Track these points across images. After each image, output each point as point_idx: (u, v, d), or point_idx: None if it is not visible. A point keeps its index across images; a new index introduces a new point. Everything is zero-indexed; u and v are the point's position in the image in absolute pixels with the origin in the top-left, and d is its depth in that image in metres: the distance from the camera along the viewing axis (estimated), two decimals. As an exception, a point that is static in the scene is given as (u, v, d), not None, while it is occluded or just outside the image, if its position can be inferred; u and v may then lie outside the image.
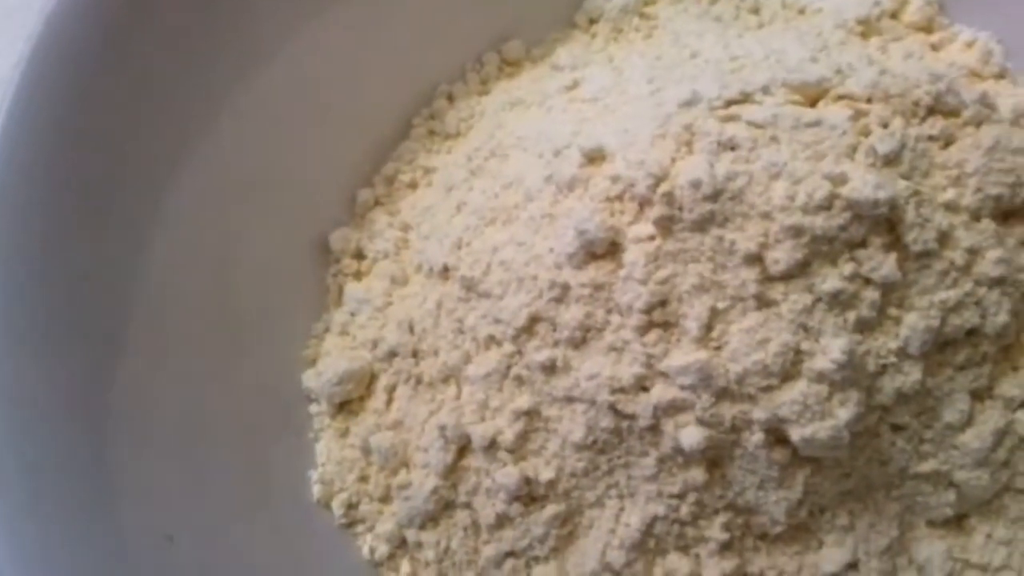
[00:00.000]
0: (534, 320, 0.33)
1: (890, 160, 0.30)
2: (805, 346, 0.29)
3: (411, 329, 0.37)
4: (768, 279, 0.29)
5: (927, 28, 0.41)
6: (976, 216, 0.30)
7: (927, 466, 0.31)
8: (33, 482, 0.30)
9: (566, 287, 0.32)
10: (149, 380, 0.35)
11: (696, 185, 0.29)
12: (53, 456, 0.31)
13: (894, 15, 0.41)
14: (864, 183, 0.29)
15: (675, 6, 0.43)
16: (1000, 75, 0.40)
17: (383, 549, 0.37)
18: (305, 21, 0.40)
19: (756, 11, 0.42)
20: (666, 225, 0.30)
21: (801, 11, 0.42)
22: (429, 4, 0.42)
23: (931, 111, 0.31)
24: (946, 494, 0.32)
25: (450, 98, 0.44)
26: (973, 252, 0.30)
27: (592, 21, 0.44)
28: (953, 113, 0.31)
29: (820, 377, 0.29)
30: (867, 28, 0.40)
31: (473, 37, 0.44)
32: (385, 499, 0.37)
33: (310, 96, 0.41)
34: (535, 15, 0.44)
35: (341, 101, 0.41)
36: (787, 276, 0.29)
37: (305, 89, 0.40)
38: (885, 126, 0.30)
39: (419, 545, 0.36)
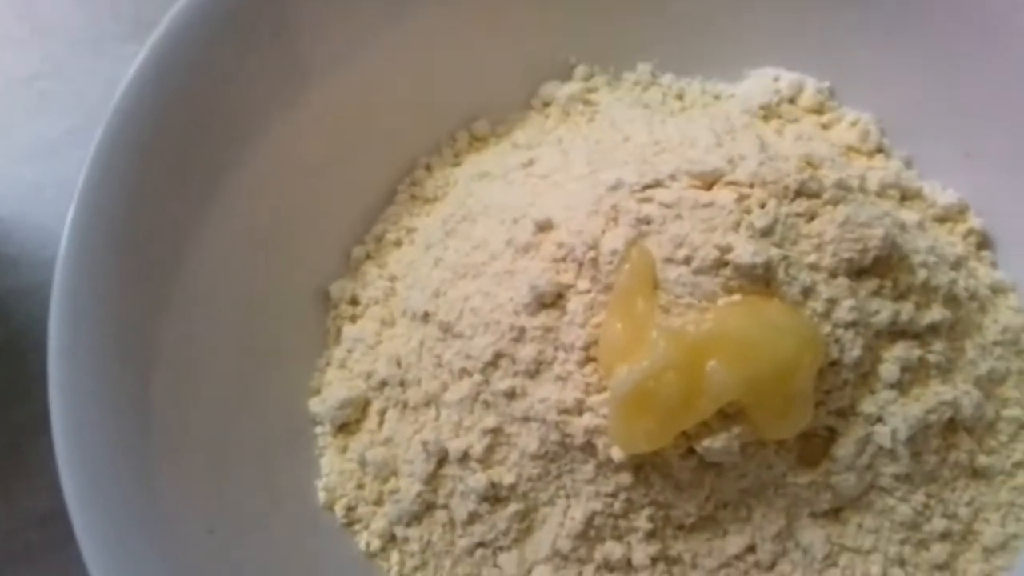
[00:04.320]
0: (498, 356, 0.36)
1: (765, 232, 0.34)
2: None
3: (398, 363, 0.41)
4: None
5: (819, 111, 0.46)
6: (834, 274, 0.35)
7: (806, 478, 0.36)
8: (93, 483, 0.34)
9: (523, 330, 0.36)
10: (184, 406, 0.38)
11: (614, 253, 0.35)
12: (108, 461, 0.35)
13: (792, 100, 0.46)
14: (745, 250, 0.33)
15: (613, 94, 0.48)
16: (877, 150, 0.45)
17: (376, 543, 0.39)
18: (299, 104, 0.43)
19: (680, 97, 0.48)
20: (598, 281, 0.35)
21: (717, 97, 0.48)
22: (410, 89, 0.46)
23: (798, 194, 0.35)
24: (824, 493, 0.36)
25: (428, 168, 0.47)
26: (831, 302, 0.34)
27: (545, 104, 0.48)
28: (815, 195, 0.36)
29: (716, 400, 0.33)
30: (768, 112, 0.46)
31: (447, 117, 0.48)
32: (378, 502, 0.40)
33: (312, 170, 0.44)
34: (499, 98, 0.48)
35: (337, 173, 0.45)
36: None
37: (307, 164, 0.44)
38: (763, 206, 0.35)
39: (406, 539, 0.39)
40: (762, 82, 0.47)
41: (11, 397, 0.49)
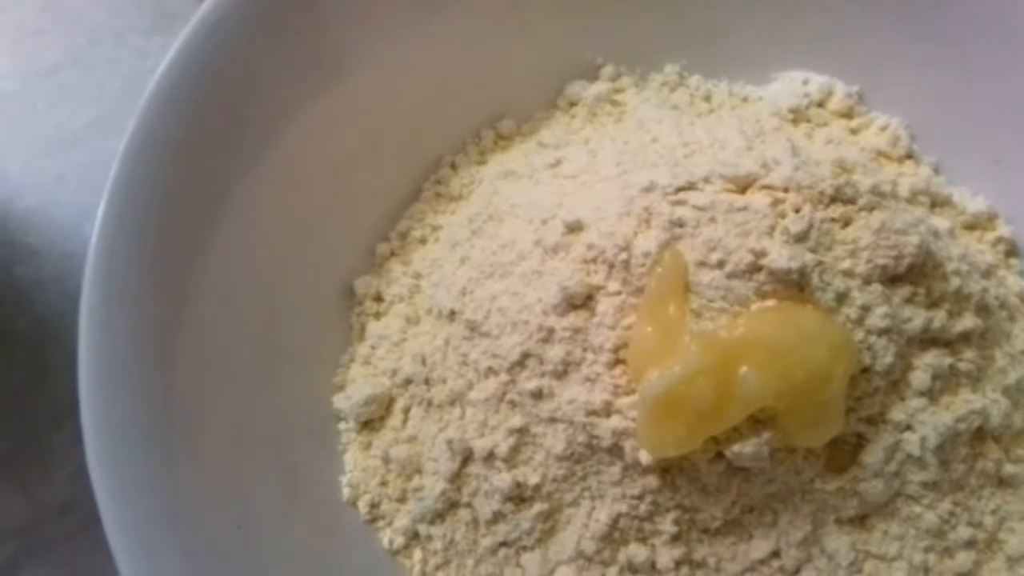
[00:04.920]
0: (525, 356, 0.36)
1: (800, 238, 0.34)
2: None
3: (423, 361, 0.40)
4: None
5: (848, 115, 0.46)
6: (868, 281, 0.34)
7: (833, 485, 0.35)
8: (122, 479, 0.35)
9: (551, 330, 0.36)
10: (208, 400, 0.38)
11: (646, 255, 0.35)
12: (138, 461, 0.35)
13: (821, 104, 0.46)
14: (780, 255, 0.33)
15: (640, 95, 0.47)
16: (906, 156, 0.45)
17: (400, 540, 0.40)
18: (326, 101, 0.43)
19: (707, 98, 0.47)
20: (629, 283, 0.35)
21: (745, 99, 0.47)
22: (436, 87, 0.45)
23: (833, 199, 0.35)
24: (850, 499, 0.36)
25: (453, 167, 0.47)
26: (865, 308, 0.34)
27: (572, 104, 0.48)
28: (851, 201, 0.35)
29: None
30: (797, 116, 0.45)
31: (472, 115, 0.47)
32: (402, 500, 0.40)
33: (337, 166, 0.44)
34: (524, 97, 0.48)
35: (362, 169, 0.45)
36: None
37: (333, 160, 0.44)
38: (797, 211, 0.35)
39: (429, 537, 0.39)
40: (791, 85, 0.47)
41: (30, 388, 0.49)
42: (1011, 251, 0.43)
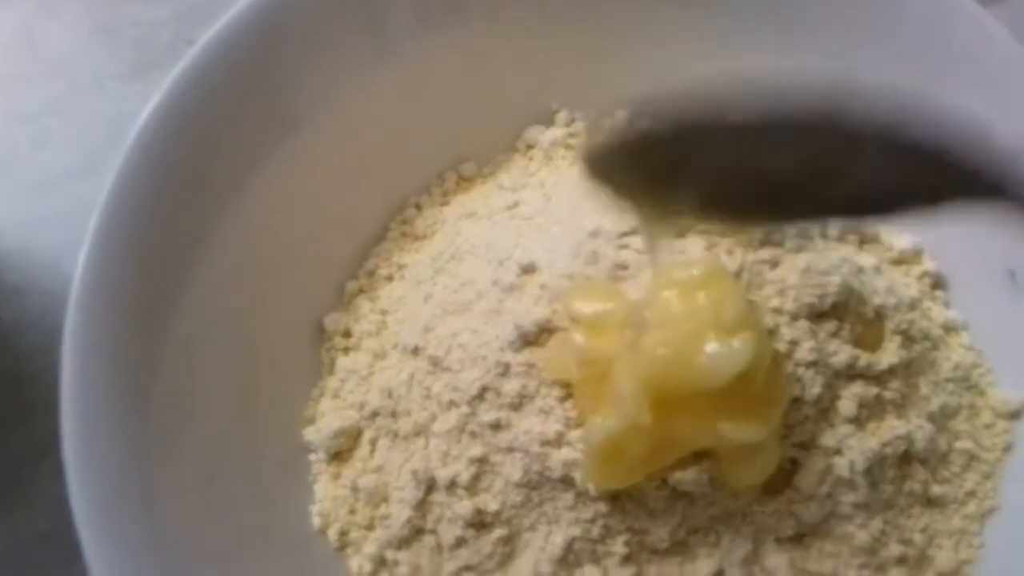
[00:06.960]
0: (484, 389, 0.38)
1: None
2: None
3: (390, 394, 0.41)
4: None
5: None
6: (795, 317, 0.36)
7: (771, 507, 0.37)
8: (104, 522, 0.35)
9: (508, 365, 0.37)
10: (184, 435, 0.39)
11: None
12: (119, 494, 0.36)
13: None
14: (714, 296, 0.35)
15: (593, 139, 0.50)
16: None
17: (368, 567, 0.40)
18: (296, 147, 0.44)
19: (655, 142, 0.51)
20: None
21: (690, 143, 0.50)
22: (401, 131, 0.47)
23: (763, 243, 0.37)
24: (787, 520, 0.37)
25: (418, 207, 0.48)
26: (793, 343, 0.36)
27: (529, 147, 0.50)
28: (779, 244, 0.37)
29: (687, 435, 0.36)
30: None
31: (436, 158, 0.49)
32: (370, 527, 0.41)
33: (307, 208, 0.45)
34: (485, 141, 0.50)
35: (331, 211, 0.46)
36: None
37: (302, 203, 0.45)
38: (731, 253, 0.37)
39: (396, 563, 0.40)
40: (732, 129, 0.49)
41: (11, 425, 0.50)
42: (936, 284, 0.45)
